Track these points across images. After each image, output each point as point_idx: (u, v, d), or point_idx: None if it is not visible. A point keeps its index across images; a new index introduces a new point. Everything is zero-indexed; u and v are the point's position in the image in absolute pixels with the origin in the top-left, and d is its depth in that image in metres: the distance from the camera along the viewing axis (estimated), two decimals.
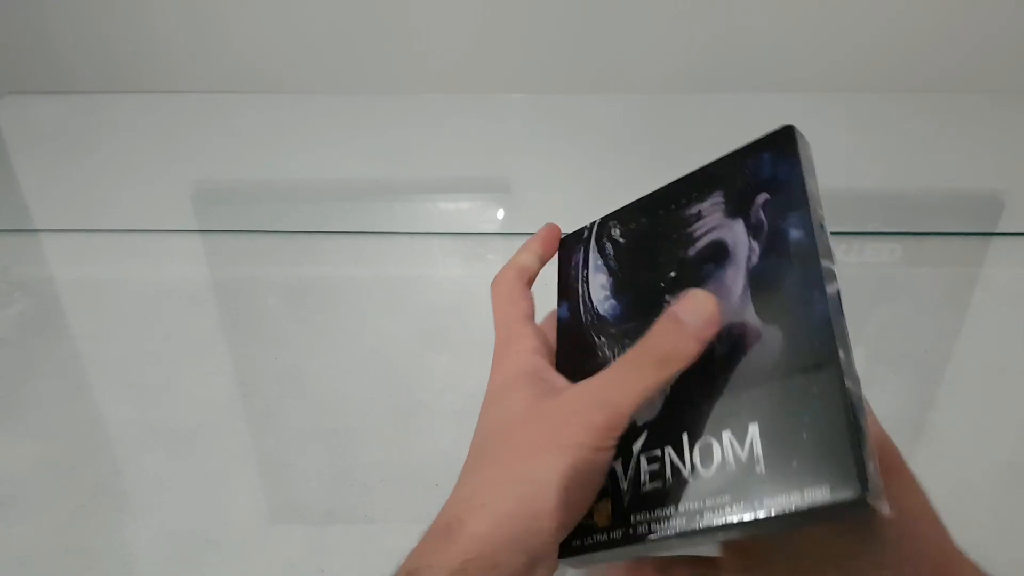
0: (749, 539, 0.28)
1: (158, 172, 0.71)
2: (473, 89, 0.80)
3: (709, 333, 0.27)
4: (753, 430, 0.25)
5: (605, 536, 0.28)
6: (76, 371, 0.51)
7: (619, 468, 0.28)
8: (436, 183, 0.70)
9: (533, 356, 0.32)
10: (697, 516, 0.25)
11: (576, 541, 0.28)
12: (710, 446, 0.26)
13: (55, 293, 0.58)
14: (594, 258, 0.35)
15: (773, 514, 0.23)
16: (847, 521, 0.25)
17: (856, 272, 0.58)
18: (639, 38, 0.76)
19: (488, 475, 0.28)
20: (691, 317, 0.27)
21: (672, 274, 0.31)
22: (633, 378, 0.27)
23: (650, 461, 0.27)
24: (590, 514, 0.28)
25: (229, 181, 0.72)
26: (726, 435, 0.26)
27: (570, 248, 0.36)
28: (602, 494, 0.28)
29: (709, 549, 0.30)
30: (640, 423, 0.28)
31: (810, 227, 0.27)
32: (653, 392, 0.27)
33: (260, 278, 0.59)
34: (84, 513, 0.42)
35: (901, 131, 0.75)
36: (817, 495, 0.22)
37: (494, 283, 0.35)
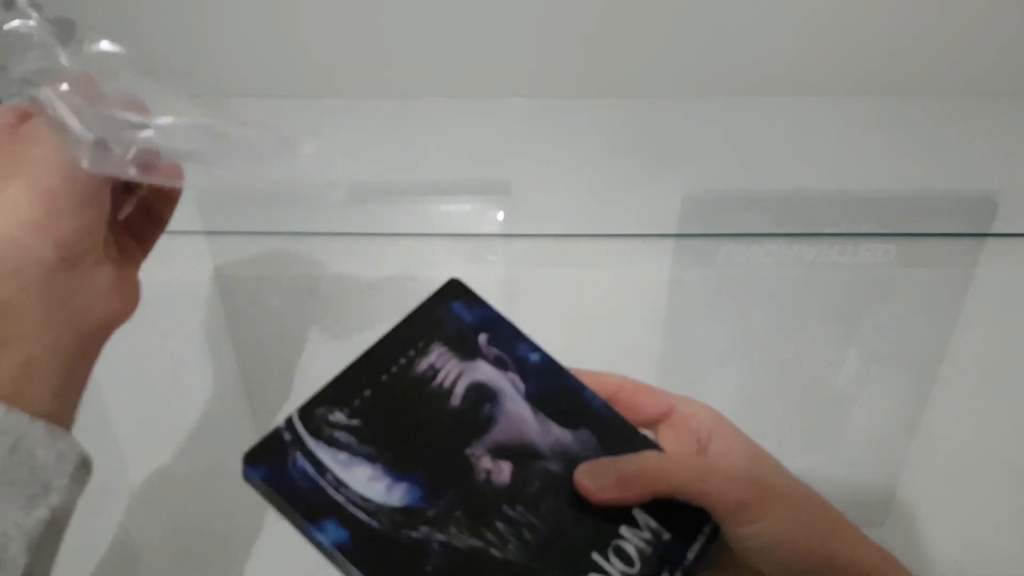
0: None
1: None
2: (474, 93, 0.81)
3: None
4: (638, 512, 0.29)
5: None
6: None
7: None
8: (437, 185, 0.71)
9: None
10: None
11: None
12: (621, 547, 0.29)
13: None
14: (328, 456, 0.30)
15: (693, 557, 0.29)
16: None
17: (850, 273, 0.59)
18: (639, 42, 0.77)
19: None
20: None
21: (452, 427, 0.31)
22: None
23: None
24: None
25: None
26: (625, 530, 0.29)
27: (270, 466, 0.30)
28: None
29: None
30: None
31: (536, 346, 0.33)
32: None
33: (265, 278, 0.60)
34: (91, 510, 0.43)
35: (894, 133, 0.75)
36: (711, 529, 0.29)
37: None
